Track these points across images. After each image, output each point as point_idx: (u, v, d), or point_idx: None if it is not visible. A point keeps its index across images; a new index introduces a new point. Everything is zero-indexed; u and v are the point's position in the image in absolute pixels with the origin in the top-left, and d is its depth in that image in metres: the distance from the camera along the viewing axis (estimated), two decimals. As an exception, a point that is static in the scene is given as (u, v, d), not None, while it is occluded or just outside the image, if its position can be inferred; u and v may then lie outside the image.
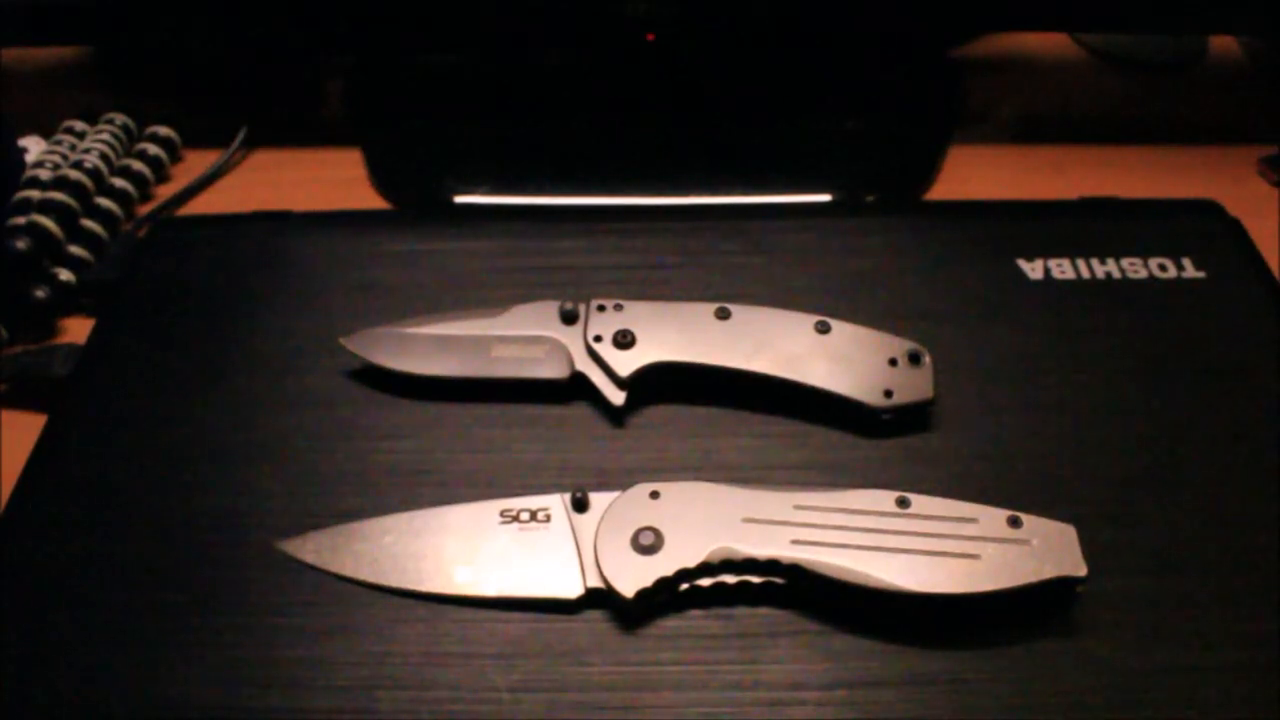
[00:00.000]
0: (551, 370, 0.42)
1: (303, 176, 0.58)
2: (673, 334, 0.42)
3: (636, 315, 0.43)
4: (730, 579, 0.36)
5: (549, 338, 0.43)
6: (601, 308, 0.43)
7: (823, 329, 0.42)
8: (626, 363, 0.41)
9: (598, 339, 0.42)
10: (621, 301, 0.43)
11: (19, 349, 0.48)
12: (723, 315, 0.42)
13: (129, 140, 0.58)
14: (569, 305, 0.43)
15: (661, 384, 0.42)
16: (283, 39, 0.60)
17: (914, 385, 0.41)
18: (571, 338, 0.42)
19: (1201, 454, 0.40)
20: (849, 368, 0.41)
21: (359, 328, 0.44)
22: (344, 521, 0.38)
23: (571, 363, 0.42)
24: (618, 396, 0.41)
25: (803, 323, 0.42)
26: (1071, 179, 0.56)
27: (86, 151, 0.55)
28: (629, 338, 0.42)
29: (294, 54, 0.64)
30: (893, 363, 0.41)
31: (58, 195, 0.52)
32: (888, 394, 0.40)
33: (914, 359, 0.41)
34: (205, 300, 0.47)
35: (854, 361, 0.41)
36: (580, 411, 0.42)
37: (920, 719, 0.34)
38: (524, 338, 0.43)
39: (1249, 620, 0.36)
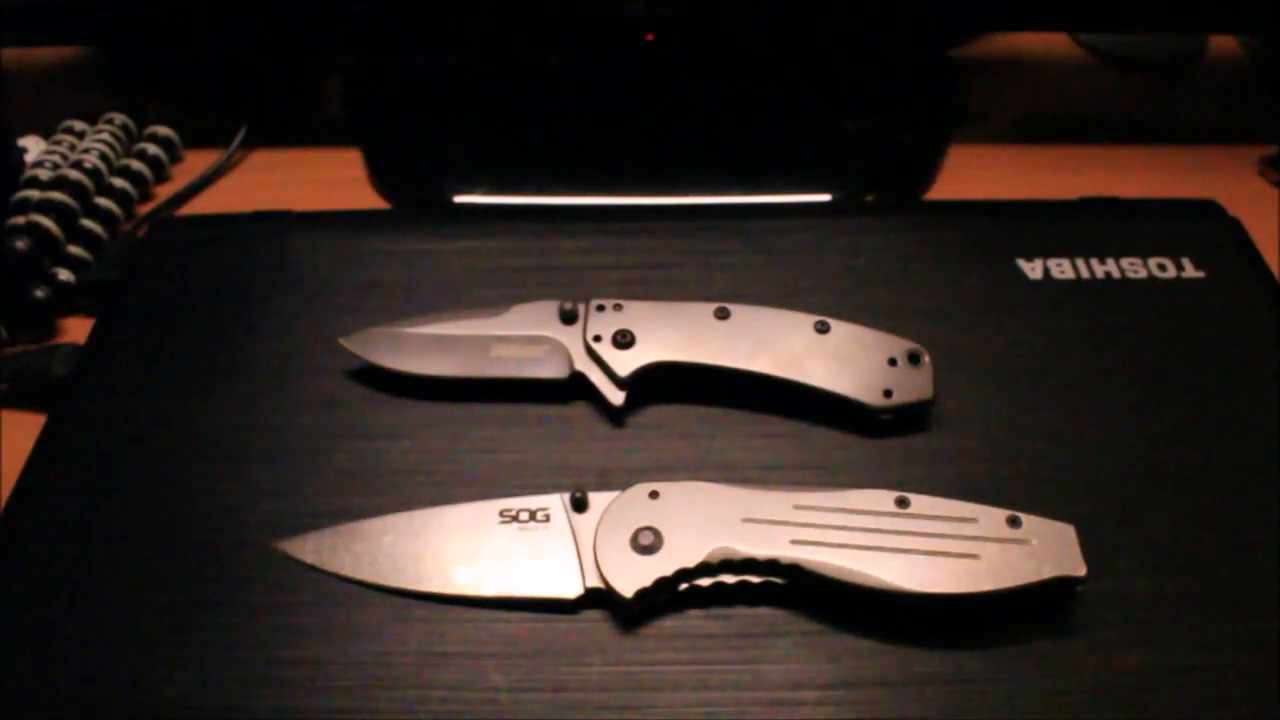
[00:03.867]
0: (551, 370, 0.42)
1: (303, 176, 0.58)
2: (672, 334, 0.42)
3: (636, 315, 0.43)
4: (730, 579, 0.36)
5: (548, 338, 0.43)
6: (601, 308, 0.43)
7: (822, 329, 0.42)
8: (626, 362, 0.42)
9: (597, 339, 0.42)
10: (621, 301, 0.43)
11: (19, 349, 0.48)
12: (722, 315, 0.42)
13: (129, 140, 0.58)
14: (568, 305, 0.43)
15: (661, 384, 0.42)
16: (283, 39, 0.60)
17: (914, 385, 0.41)
18: (571, 338, 0.43)
19: (1201, 454, 0.40)
20: (848, 368, 0.41)
21: (359, 328, 0.44)
22: (344, 521, 0.38)
23: (571, 362, 0.42)
24: (617, 396, 0.41)
25: (802, 323, 0.42)
26: (1071, 179, 0.56)
27: (86, 151, 0.55)
28: (628, 337, 0.42)
29: (294, 54, 0.64)
30: (892, 362, 0.41)
31: (57, 195, 0.52)
32: (887, 394, 0.40)
33: (913, 359, 0.41)
34: (205, 300, 0.47)
35: (853, 361, 0.41)
36: (580, 411, 0.42)
37: (920, 719, 0.34)
38: (524, 337, 0.43)
39: (1249, 620, 0.36)
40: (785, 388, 0.41)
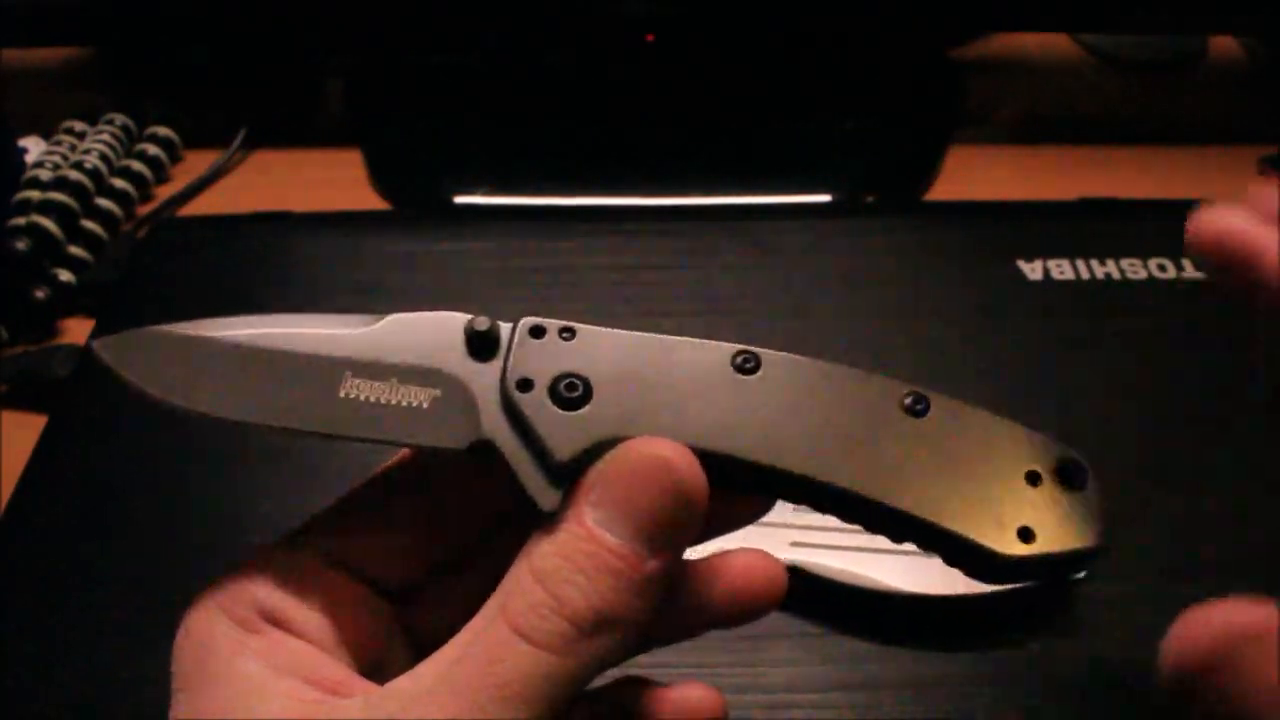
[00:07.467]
0: (436, 432, 0.24)
1: (303, 177, 0.58)
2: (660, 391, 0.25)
3: (596, 351, 0.24)
4: (730, 579, 0.36)
5: (442, 374, 0.25)
6: (538, 331, 0.25)
7: (918, 408, 0.26)
8: (571, 433, 0.24)
9: (525, 385, 0.24)
10: (571, 325, 0.25)
11: (19, 349, 0.48)
12: (747, 367, 0.25)
13: (129, 140, 0.58)
14: (483, 323, 0.25)
15: None
16: (283, 39, 0.61)
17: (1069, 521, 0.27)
18: (482, 378, 0.24)
19: (1201, 455, 0.40)
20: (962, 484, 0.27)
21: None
22: (344, 522, 0.38)
23: (477, 422, 0.24)
24: (548, 496, 0.23)
25: (884, 391, 0.25)
26: (1071, 179, 0.56)
27: (86, 152, 0.55)
28: (579, 389, 0.24)
29: (294, 54, 0.64)
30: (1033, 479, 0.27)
31: (58, 196, 0.52)
32: (1025, 534, 0.26)
33: (1067, 474, 0.27)
34: (205, 300, 0.47)
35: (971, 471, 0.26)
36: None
37: (920, 720, 0.34)
38: (400, 369, 0.25)
39: (1248, 621, 0.36)
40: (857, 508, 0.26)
